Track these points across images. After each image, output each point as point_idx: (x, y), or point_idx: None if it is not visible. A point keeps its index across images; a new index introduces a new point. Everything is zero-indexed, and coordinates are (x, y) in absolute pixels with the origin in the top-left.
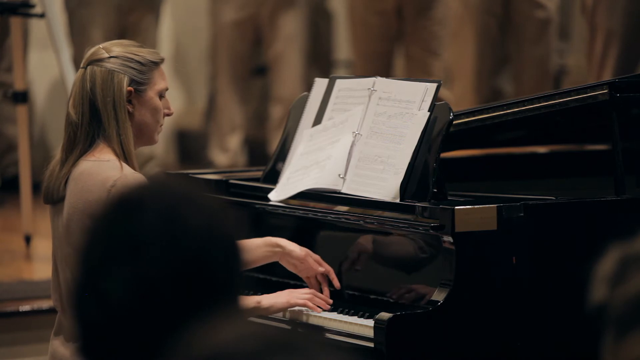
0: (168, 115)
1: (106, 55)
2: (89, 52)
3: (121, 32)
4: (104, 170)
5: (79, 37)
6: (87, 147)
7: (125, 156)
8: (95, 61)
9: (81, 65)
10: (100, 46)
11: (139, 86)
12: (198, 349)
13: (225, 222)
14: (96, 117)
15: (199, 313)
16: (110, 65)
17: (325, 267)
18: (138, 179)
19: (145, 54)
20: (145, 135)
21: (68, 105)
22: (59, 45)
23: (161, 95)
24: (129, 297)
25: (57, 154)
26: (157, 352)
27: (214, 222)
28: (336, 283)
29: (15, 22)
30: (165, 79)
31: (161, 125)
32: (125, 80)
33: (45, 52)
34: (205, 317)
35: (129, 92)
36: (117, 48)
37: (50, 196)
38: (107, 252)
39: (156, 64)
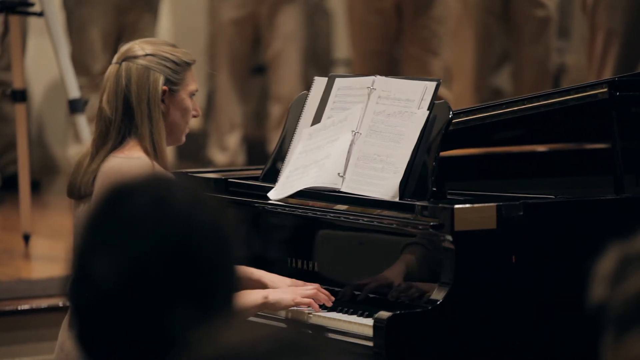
0: (195, 116)
1: (142, 52)
2: (124, 48)
3: (119, 31)
4: (134, 167)
5: (77, 36)
6: (118, 143)
7: (156, 154)
8: (130, 57)
9: (114, 61)
10: (136, 43)
11: (172, 86)
12: (208, 352)
13: (216, 210)
14: (129, 113)
15: (190, 298)
16: (146, 62)
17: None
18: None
19: (179, 54)
20: (174, 135)
21: (101, 100)
22: (58, 44)
23: (191, 96)
24: (119, 281)
25: (87, 147)
26: (149, 336)
27: (203, 207)
28: (328, 301)
29: (14, 20)
30: (195, 81)
31: (188, 125)
32: (161, 79)
33: (43, 49)
34: (198, 303)
35: (164, 91)
36: (153, 46)
37: (77, 191)
38: (98, 236)
39: (189, 64)
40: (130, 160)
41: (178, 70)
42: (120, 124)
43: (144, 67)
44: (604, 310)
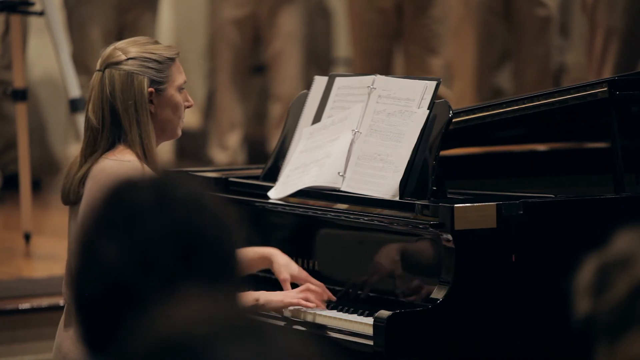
0: (188, 107)
1: (123, 57)
2: (105, 54)
3: (119, 30)
4: (124, 170)
5: (77, 35)
6: (107, 149)
7: (147, 158)
8: (112, 64)
9: (97, 68)
10: (116, 47)
11: (159, 85)
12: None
13: (217, 204)
14: (116, 121)
15: (194, 283)
16: (128, 67)
17: (315, 284)
18: None
19: (161, 50)
20: (167, 132)
21: (87, 109)
22: (58, 43)
23: (180, 89)
24: (125, 267)
25: (76, 154)
26: (152, 324)
27: (205, 200)
28: (330, 297)
29: (14, 20)
30: (182, 72)
31: (182, 119)
32: (146, 82)
33: (43, 49)
34: (202, 288)
35: (150, 92)
36: (134, 48)
37: (67, 197)
38: (103, 227)
39: (172, 59)
40: (121, 163)
41: (162, 68)
42: (109, 132)
43: (127, 73)
44: (592, 322)
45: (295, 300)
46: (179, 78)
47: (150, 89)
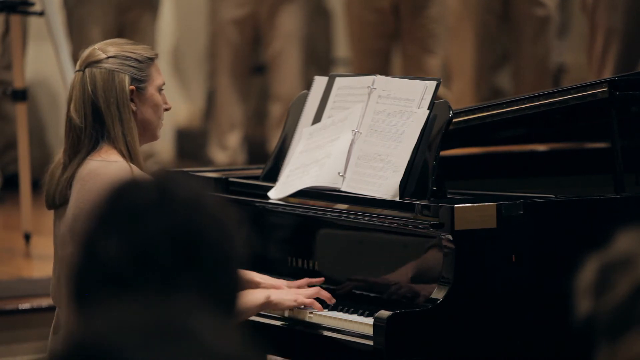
0: (167, 109)
1: (103, 55)
2: (85, 54)
3: (119, 30)
4: (112, 171)
5: (77, 35)
6: (91, 149)
7: (131, 156)
8: (93, 63)
9: (77, 68)
10: (96, 47)
11: (139, 84)
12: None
13: (218, 204)
14: (99, 119)
15: (193, 283)
16: (109, 65)
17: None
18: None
19: (140, 50)
20: (148, 132)
21: (69, 109)
22: (58, 43)
23: (160, 90)
24: (125, 266)
25: (58, 157)
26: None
27: (206, 200)
28: (327, 297)
29: (14, 20)
30: (161, 74)
31: (162, 120)
32: (127, 80)
33: (43, 49)
34: (202, 291)
35: (131, 90)
36: (113, 47)
37: (52, 201)
38: (104, 224)
39: (152, 59)
40: (108, 164)
41: (142, 67)
42: (92, 130)
43: (108, 71)
44: (593, 322)
45: (308, 301)
46: (158, 78)
47: (132, 87)
